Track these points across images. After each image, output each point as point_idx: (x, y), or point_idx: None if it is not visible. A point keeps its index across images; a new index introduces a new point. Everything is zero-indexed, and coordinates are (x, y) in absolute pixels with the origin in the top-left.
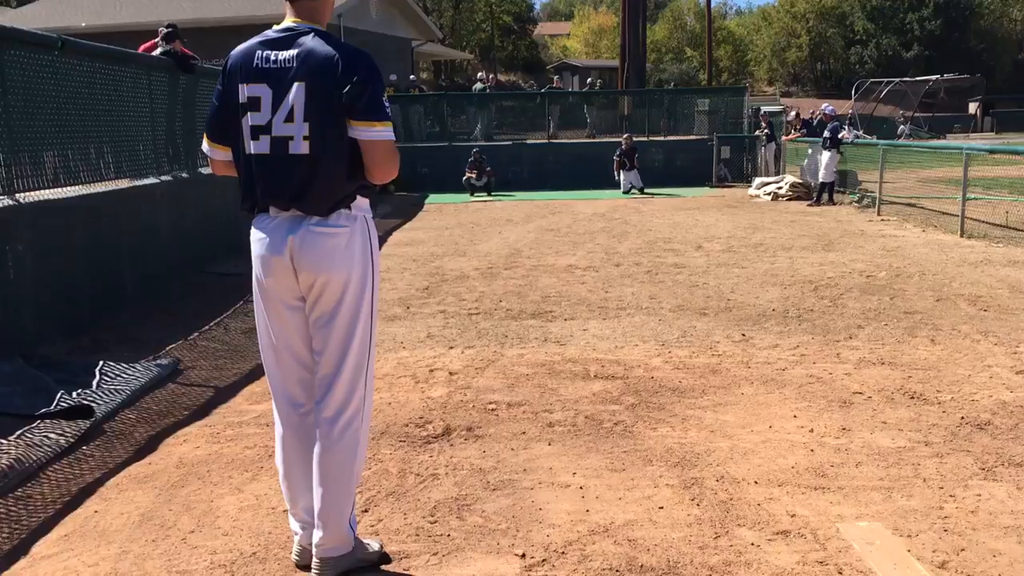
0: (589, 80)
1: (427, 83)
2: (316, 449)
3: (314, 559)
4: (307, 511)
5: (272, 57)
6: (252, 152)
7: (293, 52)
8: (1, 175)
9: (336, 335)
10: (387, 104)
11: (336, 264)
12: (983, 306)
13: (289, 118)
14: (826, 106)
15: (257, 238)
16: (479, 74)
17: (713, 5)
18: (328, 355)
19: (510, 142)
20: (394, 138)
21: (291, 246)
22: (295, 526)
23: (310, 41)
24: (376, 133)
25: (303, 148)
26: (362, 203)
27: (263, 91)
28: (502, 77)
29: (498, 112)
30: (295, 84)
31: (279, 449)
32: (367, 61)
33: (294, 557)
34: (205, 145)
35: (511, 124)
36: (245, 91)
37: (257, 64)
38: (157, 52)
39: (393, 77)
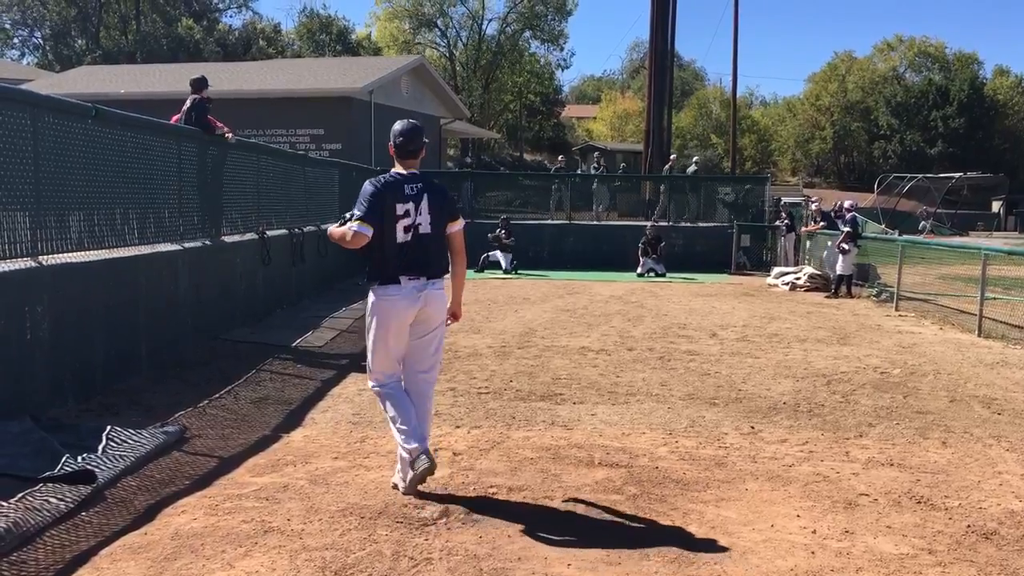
0: (597, 155)
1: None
2: None
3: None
4: None
5: None
6: None
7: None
8: (25, 238)
9: None
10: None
11: None
12: (997, 409)
13: None
14: (847, 202)
15: None
16: (559, 157)
17: (738, 95)
18: None
19: (532, 221)
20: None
21: None
22: None
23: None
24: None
25: None
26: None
27: None
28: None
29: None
30: None
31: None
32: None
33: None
34: None
35: (535, 203)
36: None
37: None
38: (187, 104)
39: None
